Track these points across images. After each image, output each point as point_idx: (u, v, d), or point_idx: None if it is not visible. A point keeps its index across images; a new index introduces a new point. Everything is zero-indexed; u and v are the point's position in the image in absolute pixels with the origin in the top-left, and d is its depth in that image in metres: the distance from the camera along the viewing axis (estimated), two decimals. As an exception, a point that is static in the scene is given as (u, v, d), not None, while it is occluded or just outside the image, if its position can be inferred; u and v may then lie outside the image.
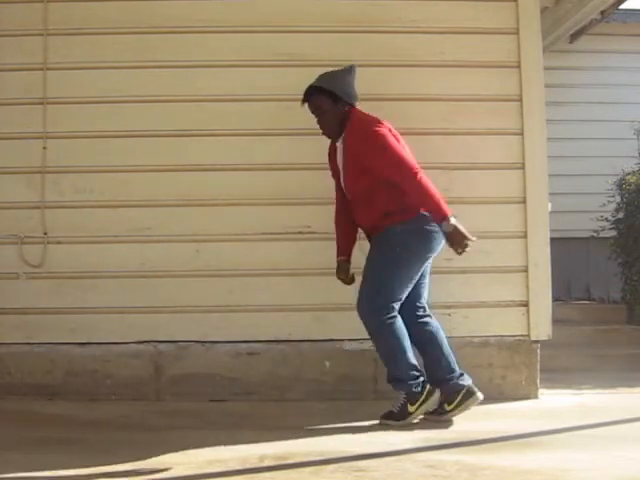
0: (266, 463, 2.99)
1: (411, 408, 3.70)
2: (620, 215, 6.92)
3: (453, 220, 3.61)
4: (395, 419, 3.70)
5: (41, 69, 4.36)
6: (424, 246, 3.78)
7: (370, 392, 4.32)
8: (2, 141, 4.39)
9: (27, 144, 4.37)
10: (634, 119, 7.17)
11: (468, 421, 3.86)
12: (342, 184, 3.90)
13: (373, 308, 3.72)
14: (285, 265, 4.34)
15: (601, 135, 7.64)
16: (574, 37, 7.41)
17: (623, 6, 6.28)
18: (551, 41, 6.53)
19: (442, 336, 3.87)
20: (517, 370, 4.38)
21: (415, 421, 3.70)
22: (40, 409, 4.03)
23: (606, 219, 6.94)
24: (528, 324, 4.39)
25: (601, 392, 4.60)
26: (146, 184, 4.37)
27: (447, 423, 3.72)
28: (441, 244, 3.77)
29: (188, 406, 4.11)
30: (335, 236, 4.00)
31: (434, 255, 3.84)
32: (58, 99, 4.37)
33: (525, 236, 4.42)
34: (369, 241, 3.90)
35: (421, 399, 3.70)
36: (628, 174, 6.93)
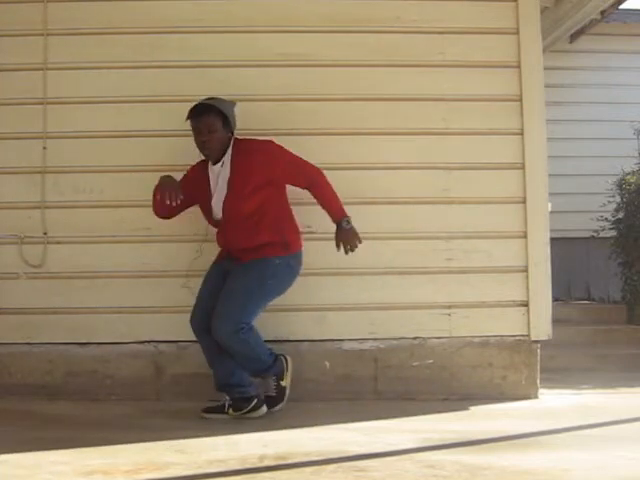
0: (266, 463, 2.99)
1: (283, 383, 4.00)
2: (620, 215, 6.91)
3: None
4: (280, 401, 3.99)
5: (41, 69, 4.36)
6: (290, 282, 3.98)
7: (370, 392, 4.33)
8: (2, 141, 4.39)
9: (27, 144, 4.37)
10: (634, 119, 7.17)
11: (468, 421, 3.86)
12: (212, 207, 3.95)
13: (235, 329, 3.76)
14: (285, 265, 4.33)
15: (601, 135, 7.64)
16: (574, 37, 7.42)
17: (623, 6, 6.29)
18: (551, 41, 6.53)
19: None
20: (517, 370, 4.38)
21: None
22: (40, 409, 4.02)
23: (606, 219, 6.94)
24: (528, 324, 4.39)
25: (601, 392, 4.60)
26: (146, 184, 4.36)
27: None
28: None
29: (188, 406, 4.10)
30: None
31: None
32: (58, 99, 4.37)
33: (525, 236, 4.42)
34: (233, 263, 3.92)
35: (285, 370, 4.01)
36: (628, 174, 6.93)
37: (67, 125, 4.38)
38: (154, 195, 3.95)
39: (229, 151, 3.92)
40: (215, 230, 4.05)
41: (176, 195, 3.80)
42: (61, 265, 4.34)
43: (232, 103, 4.00)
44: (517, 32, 4.46)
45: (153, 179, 4.34)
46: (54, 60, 4.37)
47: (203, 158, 3.99)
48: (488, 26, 4.49)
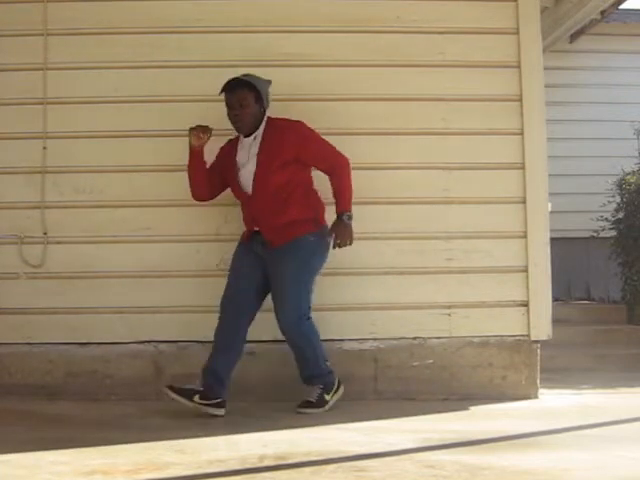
0: (266, 463, 2.99)
1: (327, 397, 3.97)
2: (620, 215, 6.92)
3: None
4: (315, 407, 3.93)
5: (41, 69, 4.37)
6: (327, 254, 4.02)
7: (370, 392, 4.33)
8: (2, 141, 4.39)
9: (27, 144, 4.37)
10: (634, 119, 7.18)
11: (468, 421, 3.86)
12: (240, 180, 3.97)
13: (299, 315, 3.89)
14: (285, 265, 4.33)
15: (601, 135, 7.64)
16: (574, 37, 7.42)
17: (623, 6, 6.31)
18: (551, 41, 6.54)
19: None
20: (517, 370, 4.38)
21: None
22: (40, 409, 4.02)
23: (606, 219, 6.94)
24: (528, 324, 4.39)
25: (601, 392, 4.60)
26: (146, 184, 4.37)
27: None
28: None
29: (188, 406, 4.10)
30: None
31: None
32: (58, 99, 4.38)
33: (525, 236, 4.42)
34: (265, 249, 3.95)
35: (334, 389, 4.01)
36: (628, 174, 6.93)
37: (67, 125, 4.38)
38: (189, 177, 4.04)
39: (261, 127, 3.96)
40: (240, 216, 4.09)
41: (204, 131, 3.93)
42: (61, 265, 4.34)
43: (267, 81, 4.03)
44: (517, 32, 4.46)
45: (153, 179, 4.36)
46: (54, 60, 4.37)
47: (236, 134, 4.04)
48: (488, 26, 4.49)
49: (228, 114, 3.96)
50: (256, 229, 3.99)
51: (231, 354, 3.95)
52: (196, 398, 3.84)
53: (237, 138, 4.05)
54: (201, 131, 3.94)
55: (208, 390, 3.86)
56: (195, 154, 3.99)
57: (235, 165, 4.00)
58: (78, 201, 4.37)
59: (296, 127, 3.98)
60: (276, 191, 3.90)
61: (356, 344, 4.33)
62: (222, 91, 3.93)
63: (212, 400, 3.84)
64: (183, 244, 4.36)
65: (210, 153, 4.06)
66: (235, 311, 3.94)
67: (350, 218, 3.93)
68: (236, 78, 3.94)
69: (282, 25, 4.43)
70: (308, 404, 3.94)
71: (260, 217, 3.97)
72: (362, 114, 4.42)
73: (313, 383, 3.99)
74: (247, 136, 3.98)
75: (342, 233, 3.91)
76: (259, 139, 3.95)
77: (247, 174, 3.96)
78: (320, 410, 3.92)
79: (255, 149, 3.94)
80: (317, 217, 4.01)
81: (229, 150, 4.07)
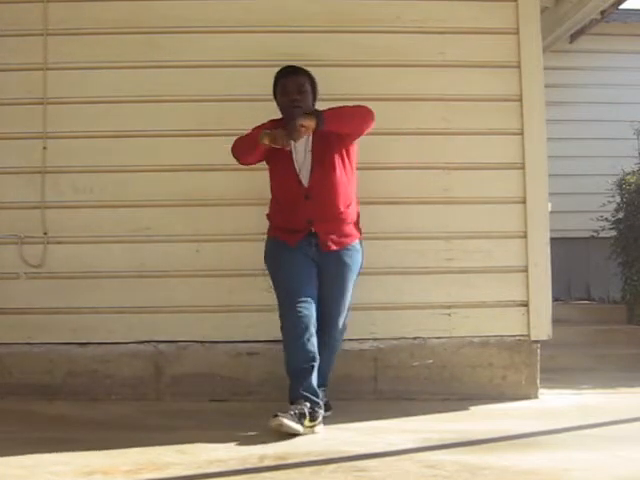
0: (266, 463, 2.99)
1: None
2: (620, 215, 6.91)
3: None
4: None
5: (41, 69, 4.36)
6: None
7: (370, 392, 4.33)
8: (2, 141, 4.39)
9: (27, 144, 4.37)
10: (634, 119, 7.17)
11: (468, 421, 3.86)
12: (298, 174, 3.71)
13: (345, 323, 3.88)
14: (285, 265, 4.33)
15: (601, 135, 7.63)
16: (574, 37, 7.41)
17: (623, 6, 6.30)
18: (551, 41, 6.53)
19: None
20: (517, 370, 4.38)
21: None
22: (40, 409, 4.02)
23: (606, 219, 6.94)
24: (528, 324, 4.39)
25: (601, 392, 4.60)
26: (146, 184, 4.37)
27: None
28: None
29: (188, 406, 4.11)
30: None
31: None
32: (58, 99, 4.37)
33: (525, 236, 4.42)
34: (319, 251, 3.72)
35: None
36: (628, 174, 6.92)
37: (67, 125, 4.38)
38: (242, 151, 3.75)
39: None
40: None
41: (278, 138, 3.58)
42: (61, 265, 4.34)
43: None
44: (517, 32, 4.46)
45: (153, 179, 4.36)
46: (54, 60, 4.37)
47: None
48: (488, 26, 4.49)
49: (283, 100, 3.75)
50: (312, 230, 3.72)
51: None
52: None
53: (281, 125, 3.71)
54: (278, 138, 3.57)
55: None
56: (259, 147, 3.65)
57: (290, 160, 3.73)
58: (78, 201, 4.37)
59: None
60: (334, 189, 3.70)
61: (356, 344, 4.33)
62: (278, 78, 3.80)
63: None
64: (183, 244, 4.36)
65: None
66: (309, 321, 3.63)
67: (320, 120, 3.56)
68: (293, 65, 3.82)
69: (282, 25, 4.42)
70: (328, 407, 3.78)
71: (318, 218, 3.71)
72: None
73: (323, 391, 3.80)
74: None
75: (303, 119, 3.55)
76: (311, 134, 3.66)
77: (305, 172, 3.72)
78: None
79: (309, 145, 3.72)
80: (358, 220, 3.88)
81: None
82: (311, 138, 3.72)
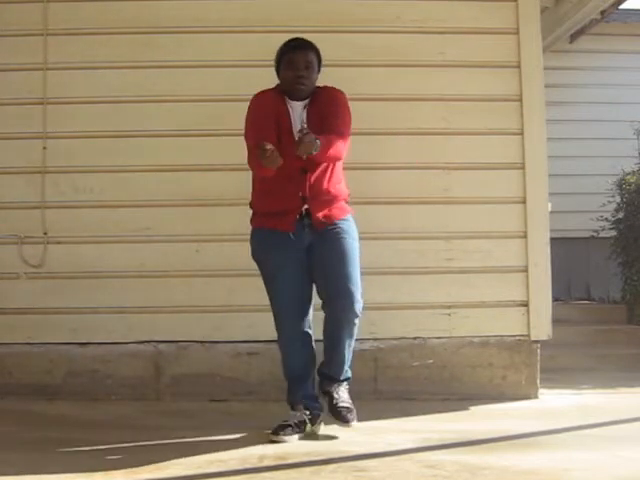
0: (266, 463, 2.99)
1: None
2: (620, 215, 6.91)
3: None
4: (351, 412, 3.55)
5: (41, 69, 4.37)
6: None
7: (370, 392, 4.33)
8: (2, 141, 4.39)
9: (27, 144, 4.37)
10: (634, 119, 7.17)
11: (468, 421, 3.86)
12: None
13: (359, 296, 3.57)
14: (285, 265, 4.33)
15: (601, 135, 7.63)
16: (574, 37, 7.41)
17: (623, 6, 6.30)
18: (551, 41, 6.53)
19: None
20: (517, 370, 4.38)
21: None
22: (40, 409, 4.02)
23: (606, 219, 6.94)
24: (528, 324, 4.39)
25: (601, 392, 4.60)
26: (146, 184, 4.37)
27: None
28: None
29: (188, 406, 4.11)
30: None
31: None
32: (58, 99, 4.38)
33: (525, 236, 4.42)
34: (312, 230, 3.56)
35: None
36: (628, 174, 6.92)
37: (67, 125, 4.38)
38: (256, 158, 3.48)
39: (323, 89, 3.67)
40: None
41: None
42: (61, 265, 4.34)
43: None
44: (517, 32, 4.46)
45: (153, 179, 4.36)
46: (54, 60, 4.37)
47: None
48: (488, 26, 4.49)
49: (288, 74, 3.61)
50: (305, 208, 3.55)
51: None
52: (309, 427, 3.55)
53: (281, 98, 3.63)
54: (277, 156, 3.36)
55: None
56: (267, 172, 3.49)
57: (289, 128, 3.58)
58: (78, 201, 4.37)
59: (332, 90, 3.68)
60: (328, 164, 3.58)
61: (356, 344, 4.31)
62: (284, 50, 3.65)
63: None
64: (183, 244, 4.36)
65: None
66: (303, 336, 3.65)
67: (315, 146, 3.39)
68: (302, 39, 3.68)
69: (282, 25, 4.41)
70: (350, 411, 3.58)
71: (312, 193, 3.56)
72: (362, 114, 4.39)
73: (341, 385, 3.68)
74: (299, 100, 3.62)
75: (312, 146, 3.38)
76: (307, 106, 3.60)
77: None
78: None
79: (304, 115, 3.60)
80: (348, 199, 3.73)
81: (279, 107, 3.62)
82: (305, 112, 3.62)
